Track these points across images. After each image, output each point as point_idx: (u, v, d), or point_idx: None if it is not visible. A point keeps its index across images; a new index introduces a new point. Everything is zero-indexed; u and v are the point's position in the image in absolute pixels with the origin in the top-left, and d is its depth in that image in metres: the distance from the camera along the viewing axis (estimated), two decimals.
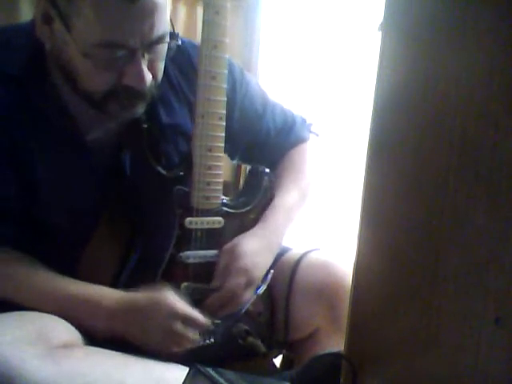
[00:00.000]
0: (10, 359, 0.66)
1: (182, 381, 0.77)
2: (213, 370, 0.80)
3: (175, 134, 0.93)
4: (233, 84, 0.99)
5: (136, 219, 0.87)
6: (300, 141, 1.08)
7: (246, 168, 1.15)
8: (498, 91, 0.48)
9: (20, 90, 0.80)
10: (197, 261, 0.89)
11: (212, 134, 0.86)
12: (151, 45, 0.77)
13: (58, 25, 0.75)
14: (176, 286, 0.86)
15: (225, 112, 0.87)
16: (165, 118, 0.92)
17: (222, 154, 0.88)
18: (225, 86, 0.86)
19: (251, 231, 0.93)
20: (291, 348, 1.05)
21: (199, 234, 0.89)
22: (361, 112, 1.43)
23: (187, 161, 0.87)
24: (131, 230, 0.88)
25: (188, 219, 0.87)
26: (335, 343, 0.89)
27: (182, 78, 0.93)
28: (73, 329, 0.78)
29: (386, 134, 0.61)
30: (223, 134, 0.87)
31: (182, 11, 1.52)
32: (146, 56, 0.77)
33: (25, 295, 0.80)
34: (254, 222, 0.95)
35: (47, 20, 0.76)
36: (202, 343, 0.89)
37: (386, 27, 0.59)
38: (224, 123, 0.87)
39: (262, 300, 0.96)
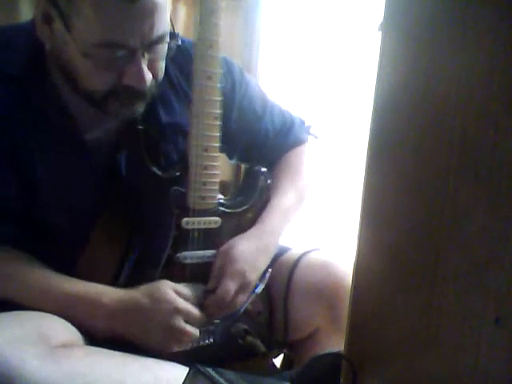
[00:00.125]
0: (10, 359, 0.66)
1: (182, 381, 0.77)
2: (213, 369, 0.80)
3: (175, 134, 0.93)
4: (232, 84, 0.99)
5: (134, 220, 0.88)
6: (298, 142, 1.08)
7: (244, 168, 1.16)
8: (498, 91, 0.48)
9: (20, 90, 0.80)
10: (194, 261, 0.89)
11: (208, 133, 0.86)
12: (151, 45, 0.77)
13: (58, 25, 0.75)
14: None
15: (220, 112, 0.87)
16: (164, 117, 0.92)
17: (217, 154, 0.88)
18: (220, 85, 0.87)
19: (247, 233, 0.93)
20: (291, 348, 1.05)
21: (196, 234, 0.89)
22: (361, 112, 1.42)
23: (183, 161, 0.87)
24: (130, 230, 0.88)
25: (185, 219, 0.87)
26: (335, 343, 0.89)
27: (183, 78, 0.94)
28: (73, 328, 0.78)
29: (386, 133, 0.61)
30: (219, 134, 0.88)
31: (182, 11, 1.52)
32: (146, 56, 0.77)
33: (24, 294, 0.80)
34: (251, 222, 0.95)
35: (47, 20, 0.76)
36: (201, 343, 0.90)
37: (386, 27, 0.59)
38: (219, 123, 0.87)
39: (261, 299, 0.96)
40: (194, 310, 0.83)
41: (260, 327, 0.98)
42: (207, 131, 0.86)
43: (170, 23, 0.79)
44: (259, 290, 0.92)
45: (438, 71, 0.54)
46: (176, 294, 0.82)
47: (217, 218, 0.90)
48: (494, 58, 0.48)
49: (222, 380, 0.78)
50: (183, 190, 0.87)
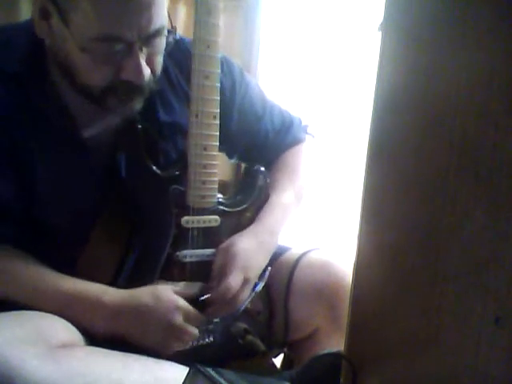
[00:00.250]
0: (10, 359, 0.66)
1: (182, 381, 0.77)
2: (213, 369, 0.81)
3: (174, 133, 0.93)
4: (232, 84, 0.99)
5: (134, 219, 0.88)
6: (296, 142, 1.09)
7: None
8: (498, 91, 0.48)
9: (20, 90, 0.80)
10: (194, 260, 0.89)
11: (206, 133, 0.87)
12: (149, 38, 0.77)
13: (55, 20, 0.75)
14: None
15: (218, 111, 0.87)
16: (163, 116, 0.92)
17: (216, 153, 0.89)
18: (218, 85, 0.87)
19: (247, 230, 0.93)
20: (291, 348, 1.05)
21: (196, 232, 0.89)
22: (361, 112, 1.43)
23: (183, 160, 0.88)
24: (130, 229, 0.88)
25: (184, 218, 0.87)
26: (335, 343, 0.89)
27: (182, 77, 0.94)
28: (73, 328, 0.78)
29: (385, 133, 0.61)
30: (218, 133, 0.88)
31: (182, 11, 1.52)
32: (144, 50, 0.77)
33: (24, 294, 0.80)
34: (250, 220, 0.96)
35: (45, 15, 0.75)
36: (201, 342, 0.90)
37: (386, 27, 0.60)
38: (218, 122, 0.88)
39: (260, 299, 0.97)
40: (194, 309, 0.83)
41: (260, 327, 0.98)
42: (206, 130, 0.87)
43: (167, 17, 0.79)
44: (259, 288, 0.92)
45: (438, 71, 0.54)
46: (176, 293, 0.83)
47: (216, 217, 0.91)
48: (494, 58, 0.48)
49: (221, 380, 0.78)
50: (182, 188, 0.87)
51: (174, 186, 0.87)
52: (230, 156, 1.07)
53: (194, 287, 0.87)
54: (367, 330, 0.64)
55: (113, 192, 0.88)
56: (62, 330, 0.76)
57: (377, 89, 0.61)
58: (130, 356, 0.76)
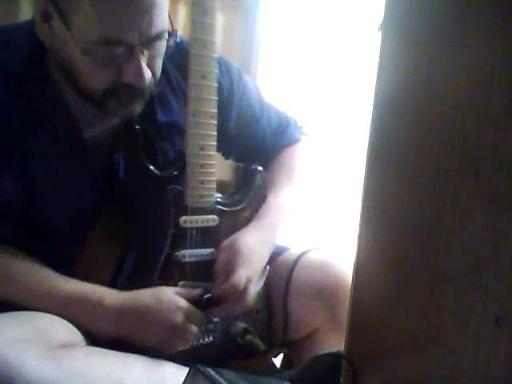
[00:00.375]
0: (10, 359, 0.65)
1: (182, 381, 0.77)
2: (213, 369, 0.81)
3: (172, 133, 0.93)
4: (230, 85, 0.99)
5: (133, 219, 0.88)
6: (292, 142, 1.10)
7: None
8: (498, 91, 0.48)
9: (20, 90, 0.80)
10: (193, 259, 0.90)
11: (204, 132, 0.87)
12: (150, 41, 0.77)
13: (57, 22, 0.75)
14: (173, 285, 0.86)
15: (216, 111, 0.88)
16: (162, 116, 0.92)
17: (214, 153, 0.89)
18: (215, 84, 0.87)
19: (247, 227, 0.93)
20: (291, 348, 1.05)
21: (194, 232, 0.89)
22: (361, 112, 1.43)
23: (181, 160, 0.88)
24: (129, 229, 0.88)
25: (183, 218, 0.87)
26: (335, 343, 0.89)
27: (181, 76, 0.94)
28: (73, 328, 0.78)
29: (385, 133, 0.61)
30: (215, 133, 0.88)
31: (182, 12, 1.52)
32: (145, 53, 0.77)
33: (24, 295, 0.80)
34: (248, 220, 0.96)
35: (46, 17, 0.75)
36: (201, 341, 0.90)
37: (386, 27, 0.60)
38: (216, 122, 0.88)
39: (259, 297, 0.96)
40: (195, 309, 0.83)
41: (259, 326, 0.98)
42: (204, 130, 0.87)
43: (168, 21, 0.79)
44: (259, 286, 0.92)
45: (438, 71, 0.54)
46: (177, 294, 0.83)
47: (214, 217, 0.91)
48: (494, 58, 0.48)
49: (221, 380, 0.78)
50: (181, 188, 0.88)
51: (172, 186, 0.87)
52: (226, 156, 1.08)
53: (195, 287, 0.87)
54: (367, 330, 0.64)
55: (112, 192, 0.88)
56: (62, 329, 0.76)
57: (377, 89, 0.61)
58: (130, 356, 0.76)
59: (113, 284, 0.85)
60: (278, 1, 1.63)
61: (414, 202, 0.57)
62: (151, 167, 0.86)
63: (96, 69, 0.76)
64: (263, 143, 1.06)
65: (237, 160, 1.11)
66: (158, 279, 0.87)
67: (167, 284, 0.86)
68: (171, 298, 0.81)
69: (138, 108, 0.83)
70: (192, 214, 0.88)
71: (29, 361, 0.67)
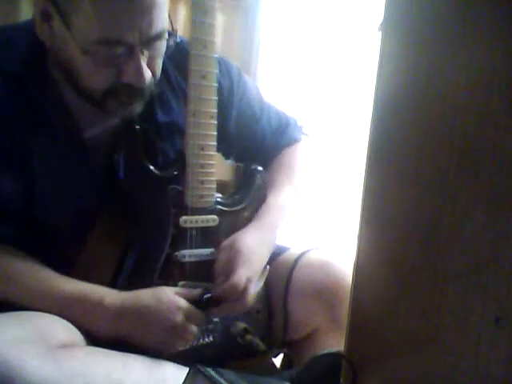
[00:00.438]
0: (10, 359, 0.65)
1: (182, 381, 0.77)
2: (213, 369, 0.81)
3: (172, 133, 0.93)
4: (230, 85, 0.99)
5: (133, 219, 0.88)
6: (292, 142, 1.10)
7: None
8: (498, 91, 0.48)
9: (20, 90, 0.80)
10: (193, 259, 0.90)
11: (204, 132, 0.87)
12: (150, 41, 0.77)
13: (57, 22, 0.75)
14: (173, 285, 0.86)
15: (216, 111, 0.88)
16: (162, 116, 0.92)
17: (214, 153, 0.89)
18: (215, 84, 0.87)
19: (247, 228, 0.93)
20: (291, 348, 1.05)
21: (194, 232, 0.89)
22: (361, 112, 1.43)
23: (181, 160, 0.88)
24: (129, 229, 0.88)
25: (183, 218, 0.88)
26: (335, 343, 0.89)
27: (181, 76, 0.94)
28: (73, 328, 0.78)
29: (385, 133, 0.61)
30: (215, 133, 0.88)
31: (182, 12, 1.52)
32: (145, 53, 0.77)
33: (24, 295, 0.80)
34: (248, 220, 0.96)
35: (46, 17, 0.75)
36: (201, 341, 0.90)
37: (386, 27, 0.60)
38: (216, 122, 0.88)
39: (259, 297, 0.96)
40: (195, 309, 0.83)
41: (259, 326, 0.98)
42: (204, 130, 0.87)
43: (168, 21, 0.79)
44: (259, 286, 0.92)
45: (438, 71, 0.54)
46: (177, 294, 0.83)
47: (214, 217, 0.91)
48: (494, 58, 0.48)
49: (221, 380, 0.78)
50: (180, 188, 0.88)
51: (172, 186, 0.87)
52: (226, 156, 1.08)
53: (195, 287, 0.87)
54: (367, 330, 0.64)
55: (112, 192, 0.88)
56: (62, 329, 0.76)
57: (377, 89, 0.61)
58: (130, 356, 0.76)
59: (113, 284, 0.85)
60: (278, 1, 1.63)
61: (414, 202, 0.57)
62: (151, 167, 0.86)
63: (96, 69, 0.76)
64: (263, 143, 1.06)
65: (237, 160, 1.11)
66: (158, 279, 0.87)
67: (167, 284, 0.86)
68: (171, 298, 0.81)
69: (137, 108, 0.83)
70: (192, 214, 0.88)
71: (29, 361, 0.67)
